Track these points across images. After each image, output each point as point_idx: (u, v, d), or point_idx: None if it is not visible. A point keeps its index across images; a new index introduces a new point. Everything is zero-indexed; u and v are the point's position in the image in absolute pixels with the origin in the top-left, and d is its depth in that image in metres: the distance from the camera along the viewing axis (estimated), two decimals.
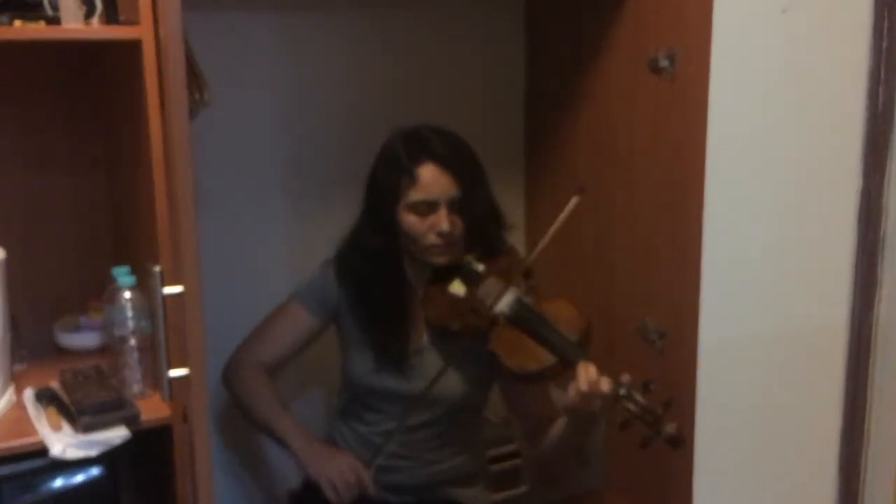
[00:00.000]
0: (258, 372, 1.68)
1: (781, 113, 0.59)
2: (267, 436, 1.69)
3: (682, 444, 1.41)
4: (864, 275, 0.54)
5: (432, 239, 1.56)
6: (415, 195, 1.55)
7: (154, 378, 1.53)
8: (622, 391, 1.42)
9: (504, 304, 1.57)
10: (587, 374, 1.42)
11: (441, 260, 1.60)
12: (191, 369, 1.22)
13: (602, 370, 1.43)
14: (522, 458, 1.92)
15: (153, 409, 1.46)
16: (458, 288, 1.62)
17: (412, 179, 1.54)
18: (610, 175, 1.90)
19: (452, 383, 1.60)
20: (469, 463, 1.72)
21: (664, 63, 1.68)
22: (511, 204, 1.87)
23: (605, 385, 1.41)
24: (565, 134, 2.05)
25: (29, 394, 1.50)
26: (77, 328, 1.73)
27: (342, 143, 2.01)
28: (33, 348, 1.69)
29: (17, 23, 1.37)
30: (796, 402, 0.68)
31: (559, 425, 1.55)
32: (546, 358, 1.50)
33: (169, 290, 1.23)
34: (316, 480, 1.57)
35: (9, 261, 1.48)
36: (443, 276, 1.63)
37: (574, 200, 1.57)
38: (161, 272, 1.25)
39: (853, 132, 0.51)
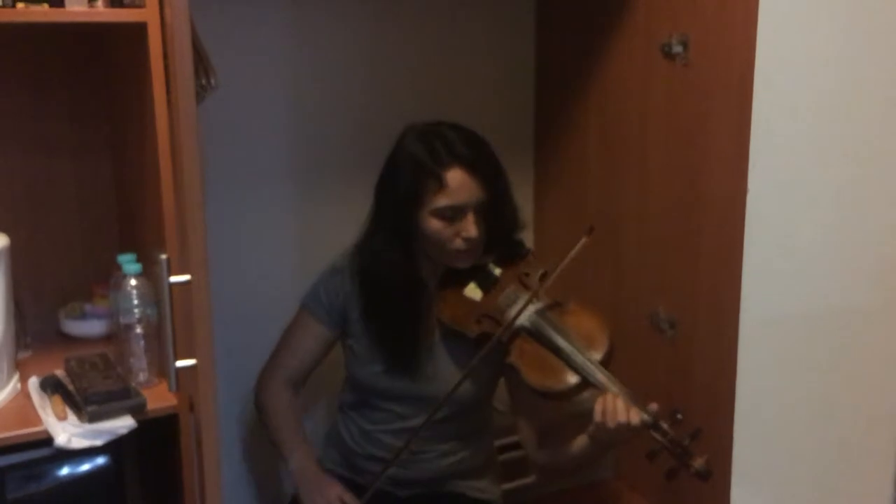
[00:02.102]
0: (281, 391, 1.68)
1: (828, 93, 0.57)
2: (275, 450, 1.69)
3: (710, 476, 1.37)
4: None
5: (458, 244, 1.52)
6: (442, 201, 1.49)
7: (160, 367, 1.52)
8: (650, 422, 1.39)
9: (526, 318, 1.52)
10: (615, 405, 1.38)
11: (464, 264, 1.57)
12: (198, 359, 1.20)
13: (630, 401, 1.40)
14: (531, 466, 1.90)
15: (159, 399, 1.45)
16: (474, 292, 1.59)
17: (440, 185, 1.49)
18: (621, 163, 1.88)
19: (466, 384, 1.57)
20: (478, 456, 1.71)
21: (678, 48, 1.66)
22: (521, 197, 1.84)
23: (635, 417, 1.38)
24: (576, 122, 2.03)
25: (34, 382, 1.48)
26: (83, 315, 1.72)
27: (350, 130, 1.99)
28: (38, 336, 1.68)
29: (20, 5, 1.34)
30: (840, 384, 0.67)
31: (578, 443, 1.51)
32: (569, 378, 1.46)
33: (176, 278, 1.21)
34: None
35: (13, 247, 1.47)
36: (456, 276, 1.60)
37: (582, 241, 1.51)
38: (168, 260, 1.23)
39: None
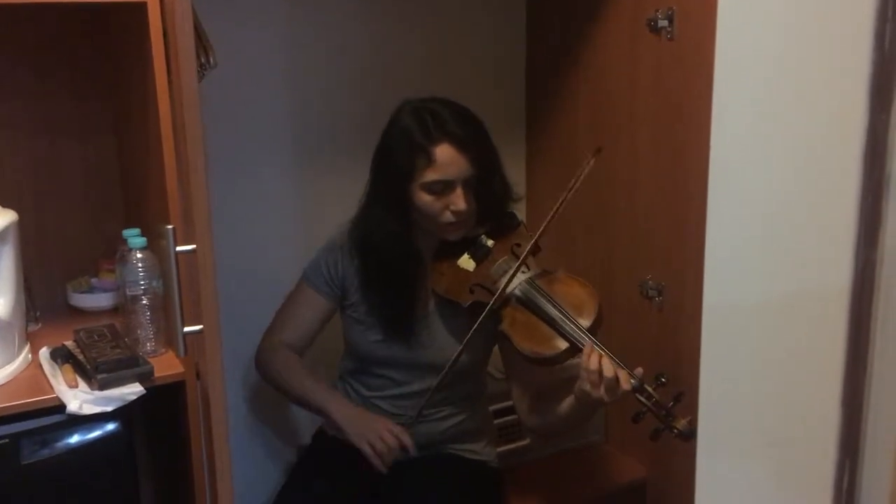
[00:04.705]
0: (285, 353, 1.71)
1: (786, 67, 0.60)
2: (306, 409, 1.72)
3: (692, 437, 1.42)
4: (867, 213, 0.56)
5: (447, 217, 1.57)
6: (431, 175, 1.54)
7: (166, 336, 1.57)
8: (635, 385, 1.44)
9: (517, 286, 1.57)
10: (601, 368, 1.43)
11: (455, 236, 1.62)
12: (205, 325, 1.25)
13: (617, 366, 1.44)
14: (522, 427, 1.95)
15: (166, 367, 1.50)
16: (467, 263, 1.63)
17: (429, 160, 1.53)
18: (610, 136, 1.92)
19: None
20: (474, 420, 1.76)
21: (663, 23, 1.70)
22: (513, 172, 1.86)
23: (620, 379, 1.43)
24: (567, 97, 2.06)
25: (45, 352, 1.53)
26: (90, 289, 1.77)
27: (349, 104, 2.02)
28: (46, 309, 1.73)
29: None
30: (798, 350, 0.71)
31: (566, 404, 1.56)
32: (558, 343, 1.51)
33: (182, 248, 1.25)
34: (357, 444, 1.58)
35: (21, 224, 1.51)
36: (451, 248, 1.64)
37: (591, 163, 1.57)
38: (174, 230, 1.28)
39: (860, 81, 0.53)
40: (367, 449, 1.57)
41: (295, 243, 1.98)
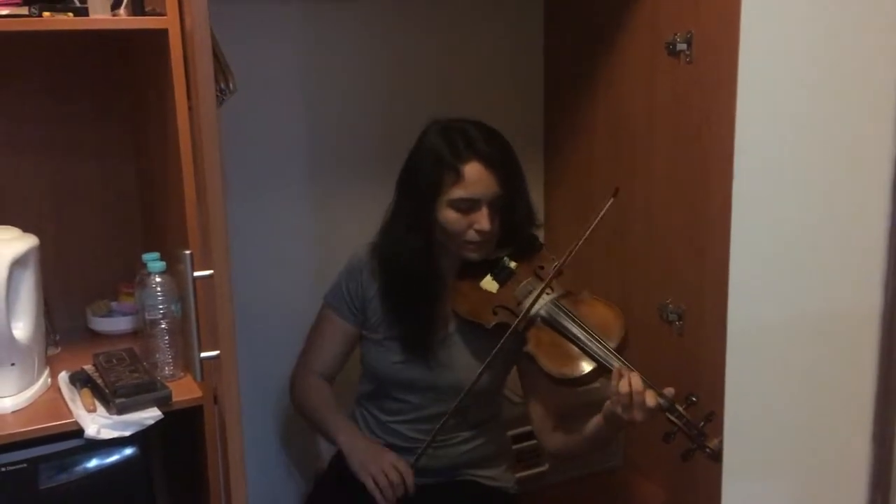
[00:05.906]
0: (314, 381, 1.72)
1: (812, 86, 0.59)
2: (323, 437, 1.73)
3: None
4: None
5: (471, 236, 1.57)
6: (458, 192, 1.54)
7: (185, 361, 1.57)
8: (666, 404, 1.43)
9: (542, 307, 1.57)
10: (632, 387, 1.42)
11: (476, 256, 1.62)
12: (222, 350, 1.25)
13: (644, 381, 1.44)
14: (542, 450, 1.93)
15: (184, 391, 1.50)
16: (490, 284, 1.63)
17: (457, 176, 1.54)
18: (628, 159, 1.91)
19: (482, 374, 1.61)
20: (492, 444, 1.74)
21: (682, 46, 1.69)
22: (531, 194, 1.84)
23: (650, 398, 1.42)
24: (584, 120, 2.06)
25: (63, 377, 1.54)
26: (109, 313, 1.77)
27: (365, 129, 2.03)
28: (66, 333, 1.73)
29: (46, 14, 1.40)
30: (828, 380, 0.70)
31: (592, 426, 1.55)
32: (585, 364, 1.50)
33: (199, 273, 1.26)
34: (360, 477, 1.58)
35: (41, 247, 1.52)
36: (473, 270, 1.64)
37: (609, 202, 1.57)
38: (191, 255, 1.28)
39: (887, 101, 0.52)
40: (369, 482, 1.56)
41: (310, 265, 1.98)
